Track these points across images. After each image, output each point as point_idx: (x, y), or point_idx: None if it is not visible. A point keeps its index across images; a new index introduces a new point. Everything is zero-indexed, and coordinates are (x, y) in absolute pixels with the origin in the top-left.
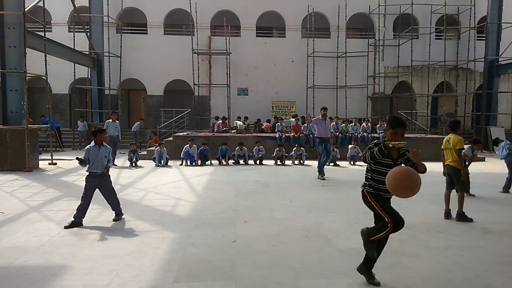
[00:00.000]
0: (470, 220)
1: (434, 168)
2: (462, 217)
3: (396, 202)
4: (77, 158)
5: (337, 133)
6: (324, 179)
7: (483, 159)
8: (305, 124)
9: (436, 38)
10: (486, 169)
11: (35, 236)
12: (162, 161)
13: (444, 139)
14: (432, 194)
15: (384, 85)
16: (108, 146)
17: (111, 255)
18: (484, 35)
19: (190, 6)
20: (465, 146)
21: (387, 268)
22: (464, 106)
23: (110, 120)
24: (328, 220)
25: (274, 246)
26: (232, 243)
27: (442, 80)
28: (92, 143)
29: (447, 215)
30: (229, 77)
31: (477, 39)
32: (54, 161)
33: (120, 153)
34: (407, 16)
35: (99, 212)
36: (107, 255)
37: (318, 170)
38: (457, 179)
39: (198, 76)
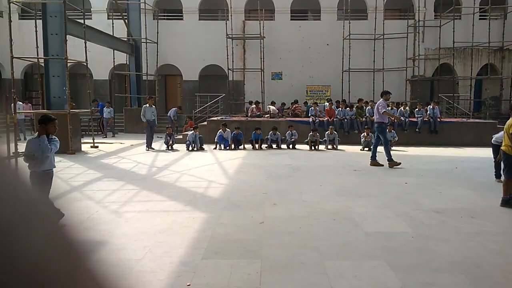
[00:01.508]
0: None
1: (474, 153)
2: (507, 203)
3: (430, 187)
4: (24, 155)
5: (373, 117)
6: (400, 164)
7: None
8: (339, 108)
9: (480, 18)
10: None
11: (75, 214)
12: (196, 146)
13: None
14: (468, 180)
15: (424, 67)
16: (57, 139)
17: (145, 232)
18: None
19: None
20: None
21: (413, 251)
22: (510, 89)
23: (147, 105)
24: (357, 204)
25: (301, 228)
26: (260, 224)
27: (486, 62)
28: (37, 134)
29: (504, 202)
30: (263, 61)
31: None
32: (95, 144)
33: (157, 137)
34: None
35: (136, 192)
36: (140, 232)
37: (388, 160)
38: (505, 164)
39: (233, 61)
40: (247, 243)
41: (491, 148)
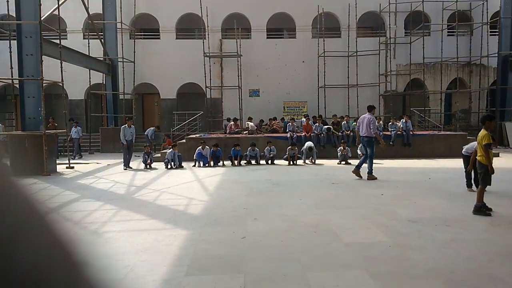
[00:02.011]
0: (488, 214)
1: (446, 164)
2: (479, 210)
3: (405, 198)
4: None
5: (349, 132)
6: (376, 178)
7: (497, 155)
8: (316, 124)
9: (448, 35)
10: (499, 164)
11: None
12: (175, 164)
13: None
14: (441, 189)
15: (396, 83)
16: None
17: (126, 252)
18: (497, 30)
19: (201, 10)
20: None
21: (391, 260)
22: (478, 102)
23: (126, 126)
24: (336, 216)
25: (282, 242)
26: (242, 239)
27: (455, 77)
28: None
29: (477, 209)
30: (241, 79)
31: (490, 35)
32: (71, 165)
33: (135, 156)
34: (419, 13)
35: (115, 212)
36: (121, 252)
37: (369, 172)
38: (480, 173)
39: (210, 79)
40: (230, 258)
41: (461, 159)
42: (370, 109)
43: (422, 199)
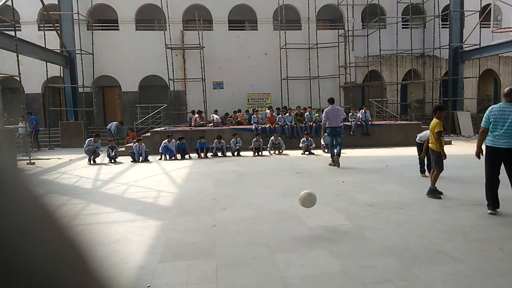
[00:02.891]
0: (439, 197)
1: (402, 152)
2: (432, 193)
3: (364, 184)
4: None
5: (311, 123)
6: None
7: (449, 142)
8: (280, 115)
9: (403, 27)
10: (451, 152)
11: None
12: (141, 157)
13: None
14: (398, 176)
15: (355, 74)
16: None
17: (98, 244)
18: (448, 23)
19: (161, 1)
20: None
21: (351, 240)
22: (431, 93)
23: (93, 140)
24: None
25: (251, 228)
26: (212, 227)
27: (410, 68)
28: None
29: (430, 191)
30: (204, 71)
31: (442, 27)
32: (32, 161)
33: (99, 151)
34: (375, 7)
35: (83, 206)
36: (93, 244)
37: (334, 156)
38: (433, 158)
39: (173, 71)
40: (201, 245)
41: (416, 147)
42: (333, 101)
43: (379, 185)
